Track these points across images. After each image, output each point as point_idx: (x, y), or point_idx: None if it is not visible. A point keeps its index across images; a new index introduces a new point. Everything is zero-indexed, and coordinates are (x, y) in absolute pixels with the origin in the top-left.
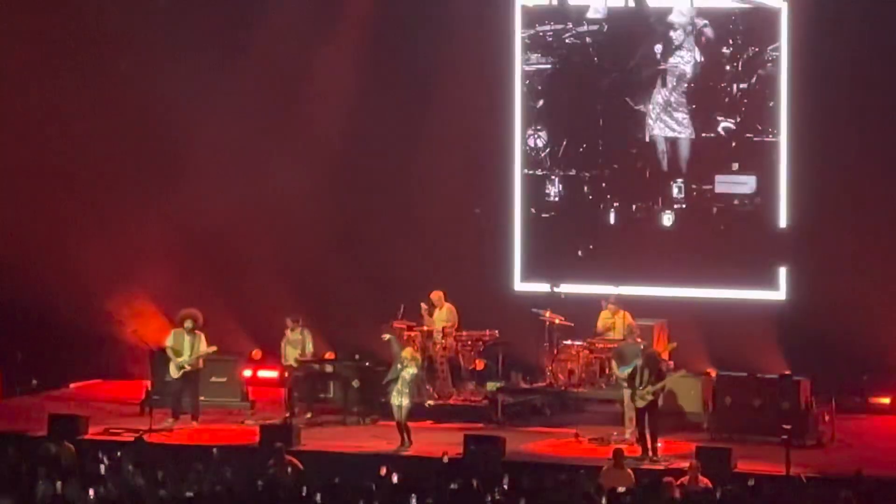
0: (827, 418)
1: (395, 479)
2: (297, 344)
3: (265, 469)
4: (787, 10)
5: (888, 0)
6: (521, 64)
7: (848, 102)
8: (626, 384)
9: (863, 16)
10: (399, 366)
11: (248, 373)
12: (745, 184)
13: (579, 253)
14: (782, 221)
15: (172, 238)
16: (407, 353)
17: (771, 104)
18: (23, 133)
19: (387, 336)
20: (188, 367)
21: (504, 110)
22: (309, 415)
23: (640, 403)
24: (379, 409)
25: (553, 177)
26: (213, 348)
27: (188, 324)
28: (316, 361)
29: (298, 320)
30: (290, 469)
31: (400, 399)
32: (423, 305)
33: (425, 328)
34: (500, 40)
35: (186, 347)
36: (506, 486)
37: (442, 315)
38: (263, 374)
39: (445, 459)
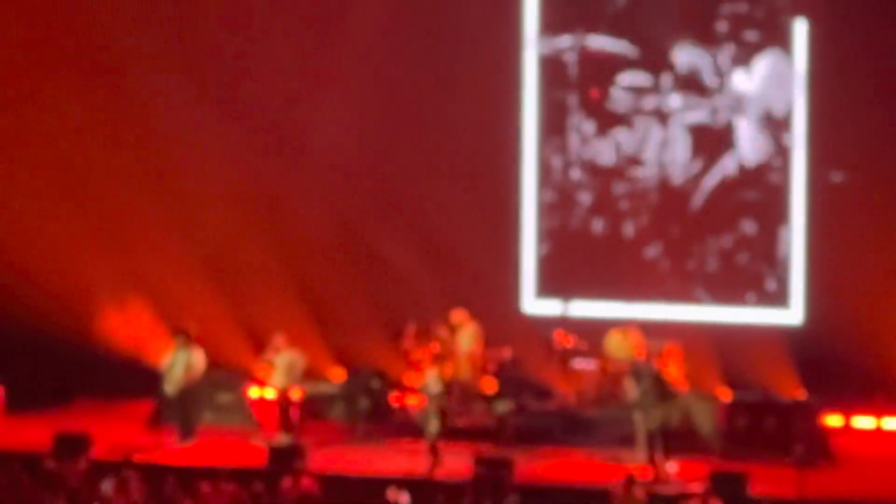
0: (840, 441)
1: (404, 501)
2: (282, 366)
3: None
4: None
5: None
6: (536, 77)
7: (871, 118)
8: (637, 405)
9: None
10: (425, 386)
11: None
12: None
13: (592, 271)
14: (800, 241)
15: (177, 252)
16: (432, 373)
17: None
18: (22, 146)
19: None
20: (180, 384)
21: (518, 125)
22: (287, 438)
23: (652, 425)
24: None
25: (568, 193)
26: (200, 363)
27: (179, 339)
28: (321, 382)
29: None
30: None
31: (429, 420)
32: (442, 329)
33: (440, 349)
34: (514, 53)
35: (179, 363)
36: None
37: (469, 335)
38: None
39: (452, 482)
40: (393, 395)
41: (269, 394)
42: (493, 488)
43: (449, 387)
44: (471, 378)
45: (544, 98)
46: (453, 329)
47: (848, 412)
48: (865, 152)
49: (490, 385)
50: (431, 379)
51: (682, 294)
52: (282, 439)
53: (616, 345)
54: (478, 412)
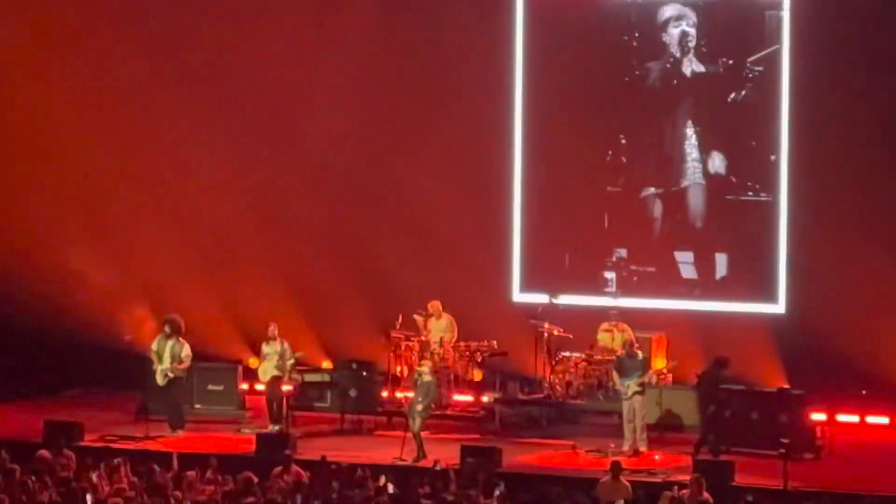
0: (825, 433)
1: (391, 489)
2: (273, 356)
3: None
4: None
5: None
6: (523, 71)
7: (852, 112)
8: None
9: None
10: (415, 377)
11: (244, 386)
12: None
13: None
14: (783, 235)
15: (169, 245)
16: (424, 363)
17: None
18: (14, 138)
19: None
20: (171, 375)
21: (507, 118)
22: (276, 427)
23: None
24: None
25: (555, 186)
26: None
27: (166, 328)
28: (310, 370)
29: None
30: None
31: (415, 410)
32: (417, 317)
33: (422, 338)
34: (504, 44)
35: (167, 353)
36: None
37: (441, 325)
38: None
39: (437, 467)
40: (382, 386)
41: (260, 383)
42: (480, 477)
43: (436, 377)
44: (458, 368)
45: (534, 93)
46: (428, 318)
47: (832, 403)
48: (845, 157)
49: (478, 375)
50: (419, 369)
51: (668, 289)
52: (272, 428)
53: (608, 337)
54: (465, 402)
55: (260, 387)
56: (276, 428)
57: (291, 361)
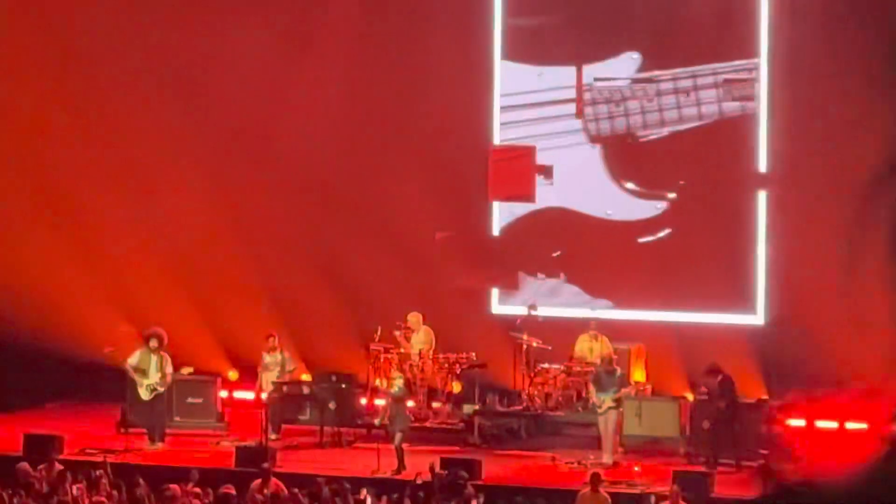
0: (805, 443)
1: (369, 501)
2: (275, 366)
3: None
4: None
5: None
6: (499, 84)
7: (828, 119)
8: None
9: None
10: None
11: (224, 393)
12: None
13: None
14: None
15: (149, 259)
16: (398, 376)
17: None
18: None
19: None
20: (159, 389)
21: (487, 131)
22: (274, 436)
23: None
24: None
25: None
26: (190, 369)
27: (153, 343)
28: (291, 383)
29: (275, 341)
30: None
31: (392, 424)
32: (396, 332)
33: (402, 351)
34: (485, 56)
35: (153, 368)
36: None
37: (420, 337)
38: (240, 395)
39: (419, 481)
40: (360, 398)
41: (262, 393)
42: (459, 490)
43: (414, 389)
44: (437, 380)
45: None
46: (409, 331)
47: (811, 413)
48: (826, 161)
49: (456, 387)
50: (397, 381)
51: (646, 296)
52: (268, 438)
53: (587, 349)
54: (444, 414)
55: (240, 396)
56: (275, 437)
57: (291, 370)
